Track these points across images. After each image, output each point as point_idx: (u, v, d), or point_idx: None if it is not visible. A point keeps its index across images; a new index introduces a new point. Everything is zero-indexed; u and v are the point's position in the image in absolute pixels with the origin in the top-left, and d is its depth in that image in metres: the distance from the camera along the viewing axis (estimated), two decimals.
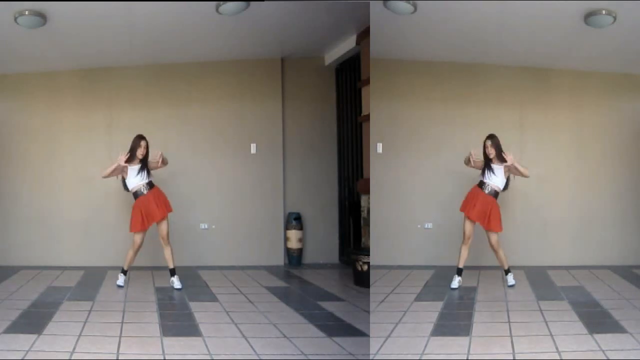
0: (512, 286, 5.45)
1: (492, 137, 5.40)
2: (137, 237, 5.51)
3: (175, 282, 5.56)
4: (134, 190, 5.47)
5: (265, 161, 7.23)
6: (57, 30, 5.62)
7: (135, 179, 5.44)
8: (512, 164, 5.36)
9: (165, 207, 5.52)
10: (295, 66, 7.41)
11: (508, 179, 5.44)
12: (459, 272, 5.45)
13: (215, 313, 4.53)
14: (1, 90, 6.98)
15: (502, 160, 5.37)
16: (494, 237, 5.41)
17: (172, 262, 5.60)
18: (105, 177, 5.53)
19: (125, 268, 5.64)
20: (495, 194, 5.42)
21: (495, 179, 5.39)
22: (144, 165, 5.45)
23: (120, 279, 5.61)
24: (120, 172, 5.47)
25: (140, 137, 5.47)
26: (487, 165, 5.41)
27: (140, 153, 5.42)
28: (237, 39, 6.42)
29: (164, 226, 5.53)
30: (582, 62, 6.59)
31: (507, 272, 5.54)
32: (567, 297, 4.99)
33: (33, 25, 5.34)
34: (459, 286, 5.40)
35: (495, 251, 5.47)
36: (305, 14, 5.77)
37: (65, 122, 7.01)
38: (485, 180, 5.42)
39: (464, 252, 5.45)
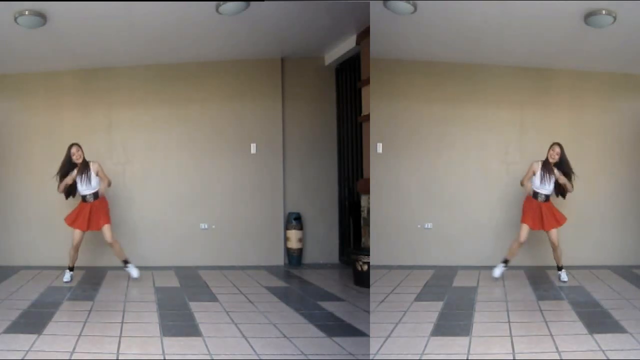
0: (565, 282, 5.66)
1: (560, 145, 5.76)
2: (75, 235, 5.84)
3: (132, 270, 5.90)
4: (83, 194, 5.88)
5: (265, 161, 7.23)
6: (57, 30, 5.62)
7: (81, 188, 5.86)
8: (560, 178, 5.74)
9: (100, 220, 5.85)
10: (295, 66, 7.41)
11: (564, 189, 5.81)
12: (507, 262, 5.80)
13: (215, 313, 4.53)
14: (1, 90, 6.98)
15: (559, 169, 5.72)
16: (554, 234, 5.72)
17: (122, 254, 5.95)
18: (60, 191, 5.92)
19: (70, 265, 5.89)
20: (547, 198, 5.78)
21: (549, 188, 5.74)
22: (86, 174, 5.83)
23: (67, 275, 5.83)
24: (70, 181, 5.84)
25: (70, 145, 5.86)
26: (545, 173, 5.72)
27: (75, 158, 5.80)
28: (237, 39, 6.42)
29: (106, 232, 5.87)
30: (582, 62, 6.58)
31: (560, 268, 5.80)
32: (567, 297, 4.99)
33: (33, 25, 5.34)
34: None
35: (555, 248, 5.76)
36: (305, 14, 5.77)
37: (65, 122, 7.01)
38: (538, 191, 5.75)
39: (516, 250, 5.81)
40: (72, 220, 5.86)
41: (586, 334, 3.78)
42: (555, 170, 5.71)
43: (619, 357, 3.33)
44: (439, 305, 4.73)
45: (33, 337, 3.69)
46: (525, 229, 5.74)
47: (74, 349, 3.48)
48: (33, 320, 4.16)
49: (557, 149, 5.71)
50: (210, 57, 7.03)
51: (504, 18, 5.44)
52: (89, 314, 4.41)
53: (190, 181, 7.09)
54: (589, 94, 6.85)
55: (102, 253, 6.85)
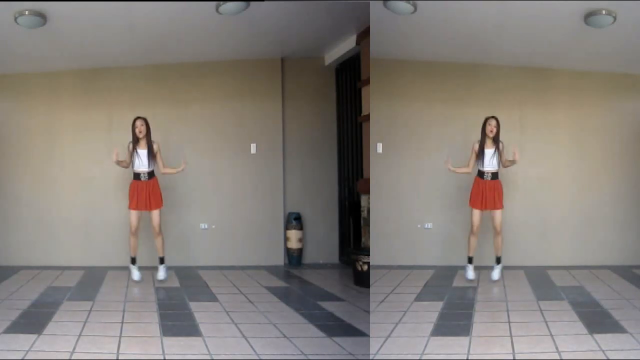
0: (496, 281, 5.57)
1: (496, 117, 5.60)
2: (132, 218, 5.69)
3: (161, 271, 5.73)
4: (136, 172, 5.69)
5: (265, 161, 7.23)
6: (57, 30, 5.62)
7: (138, 164, 5.66)
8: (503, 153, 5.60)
9: (155, 202, 5.71)
10: (295, 66, 7.41)
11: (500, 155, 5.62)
12: (471, 260, 5.66)
13: (215, 313, 4.53)
14: (1, 90, 6.98)
15: (496, 143, 5.54)
16: (498, 218, 5.57)
17: (162, 251, 5.80)
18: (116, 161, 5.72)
19: (132, 255, 5.78)
20: (496, 176, 5.59)
21: (491, 162, 5.57)
22: (150, 151, 5.66)
23: (135, 274, 5.75)
24: (129, 156, 5.69)
25: (135, 118, 5.71)
26: (480, 150, 5.57)
27: (138, 132, 5.64)
28: (237, 39, 6.42)
29: (155, 216, 5.74)
30: (582, 62, 6.58)
31: (498, 261, 5.65)
32: (567, 297, 4.98)
33: (33, 25, 5.34)
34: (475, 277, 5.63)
35: (496, 234, 5.60)
36: (305, 14, 5.77)
37: (65, 122, 7.01)
38: (483, 169, 5.60)
39: (473, 242, 5.66)
40: (133, 204, 5.64)
41: (586, 334, 3.78)
42: (500, 151, 5.56)
43: (619, 357, 3.33)
44: (439, 305, 4.73)
45: (33, 337, 3.69)
46: (474, 214, 5.60)
47: (74, 349, 3.48)
48: (33, 320, 4.16)
49: (494, 122, 5.53)
50: (210, 57, 7.02)
51: (504, 18, 5.44)
52: (89, 314, 4.40)
53: (190, 181, 7.09)
54: (589, 94, 6.85)
55: (102, 253, 6.86)
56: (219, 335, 3.88)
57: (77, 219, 6.95)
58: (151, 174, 5.71)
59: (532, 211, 6.76)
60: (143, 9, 5.32)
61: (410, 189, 6.88)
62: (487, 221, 5.79)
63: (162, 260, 5.78)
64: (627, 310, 4.47)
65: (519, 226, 6.68)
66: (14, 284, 5.68)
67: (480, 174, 5.63)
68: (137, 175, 5.69)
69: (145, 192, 5.65)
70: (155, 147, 5.72)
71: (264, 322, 4.26)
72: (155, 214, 5.72)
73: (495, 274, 5.61)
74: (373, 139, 6.55)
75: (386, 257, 6.63)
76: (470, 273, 5.63)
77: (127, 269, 6.06)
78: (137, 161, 5.66)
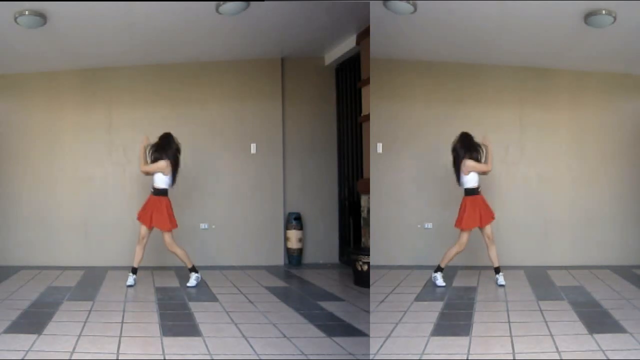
0: (502, 286, 5.45)
1: (461, 134, 5.52)
2: (142, 230, 5.62)
3: (191, 279, 5.63)
4: (159, 187, 5.60)
5: (265, 161, 7.23)
6: (57, 30, 5.62)
7: (166, 181, 5.62)
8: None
9: (159, 221, 5.60)
10: (295, 66, 7.41)
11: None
12: (441, 269, 5.55)
13: (215, 313, 4.53)
14: (1, 90, 6.99)
15: (472, 157, 5.44)
16: (488, 230, 5.46)
17: (186, 262, 5.68)
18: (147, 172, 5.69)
19: (135, 265, 5.67)
20: (476, 191, 5.47)
21: (467, 179, 5.47)
22: (176, 172, 5.65)
23: (130, 279, 5.63)
24: (164, 168, 5.59)
25: (171, 135, 5.75)
26: (456, 171, 5.51)
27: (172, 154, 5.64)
28: (237, 39, 6.42)
29: (167, 236, 5.63)
30: (582, 62, 6.59)
31: (497, 271, 5.55)
32: (567, 297, 4.98)
33: (33, 25, 5.34)
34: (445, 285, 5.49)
35: (489, 246, 5.49)
36: (305, 14, 5.77)
37: (65, 122, 7.02)
38: (463, 188, 5.52)
39: (452, 255, 5.53)
40: (144, 217, 5.62)
41: (586, 334, 3.78)
42: (466, 162, 5.43)
43: (619, 357, 3.32)
44: (439, 305, 4.73)
45: (33, 337, 3.69)
46: (464, 235, 5.46)
47: (74, 349, 3.48)
48: (33, 320, 4.16)
49: (454, 139, 5.51)
50: (210, 57, 7.03)
51: (504, 18, 5.44)
52: (89, 314, 4.40)
53: (190, 181, 7.08)
54: (589, 94, 6.86)
55: (102, 253, 6.86)
56: (219, 335, 3.88)
57: (77, 219, 6.95)
58: (157, 191, 5.61)
59: (532, 211, 6.76)
60: (143, 9, 5.32)
61: (410, 189, 6.88)
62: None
63: (190, 270, 5.66)
64: (627, 310, 4.47)
65: (519, 226, 6.69)
66: (14, 284, 5.68)
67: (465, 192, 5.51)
68: (159, 191, 5.63)
69: (151, 208, 5.60)
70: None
71: (264, 322, 4.26)
72: (167, 234, 5.61)
73: (501, 279, 5.53)
74: (373, 139, 6.55)
75: (386, 257, 6.63)
76: (441, 281, 5.52)
77: (127, 268, 6.06)
78: (166, 180, 5.62)
